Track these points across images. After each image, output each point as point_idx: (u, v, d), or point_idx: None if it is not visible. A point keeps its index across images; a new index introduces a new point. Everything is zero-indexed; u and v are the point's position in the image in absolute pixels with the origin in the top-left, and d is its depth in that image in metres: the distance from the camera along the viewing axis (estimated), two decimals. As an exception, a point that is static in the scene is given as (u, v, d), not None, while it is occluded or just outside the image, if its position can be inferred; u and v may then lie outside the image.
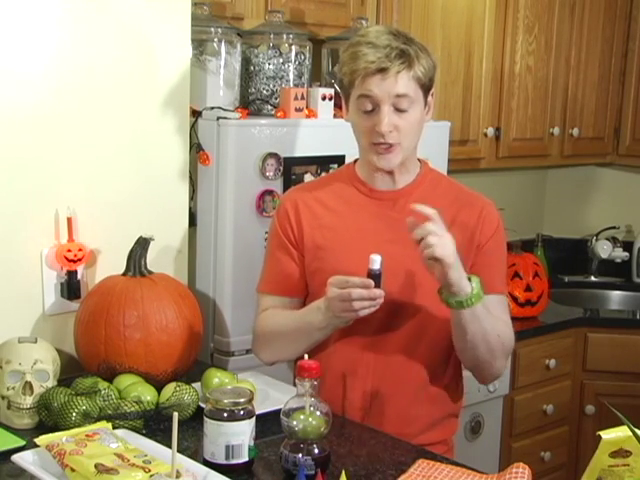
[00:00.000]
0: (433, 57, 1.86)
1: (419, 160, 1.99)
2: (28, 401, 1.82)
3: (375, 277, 1.71)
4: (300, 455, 1.58)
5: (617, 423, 1.31)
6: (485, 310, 1.81)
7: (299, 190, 2.07)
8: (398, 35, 1.82)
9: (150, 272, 2.10)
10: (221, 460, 1.61)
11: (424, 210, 1.72)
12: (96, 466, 1.47)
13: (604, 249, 3.94)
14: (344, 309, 1.74)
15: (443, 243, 1.70)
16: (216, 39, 2.49)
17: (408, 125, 1.83)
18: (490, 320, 1.83)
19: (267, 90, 2.60)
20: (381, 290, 1.72)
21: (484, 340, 1.84)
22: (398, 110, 1.81)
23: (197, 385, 1.95)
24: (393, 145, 1.83)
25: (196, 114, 2.44)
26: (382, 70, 1.77)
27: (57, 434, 1.61)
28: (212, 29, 2.48)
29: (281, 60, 2.59)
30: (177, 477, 1.42)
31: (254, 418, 1.64)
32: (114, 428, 1.69)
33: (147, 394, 1.86)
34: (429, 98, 1.88)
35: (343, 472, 1.51)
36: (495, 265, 1.94)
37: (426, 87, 1.84)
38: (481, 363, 1.91)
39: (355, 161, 2.00)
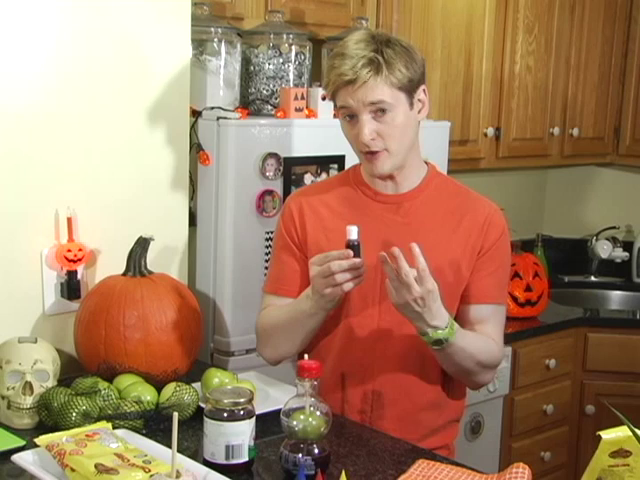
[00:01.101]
0: (416, 55, 1.82)
1: (427, 163, 1.98)
2: (28, 401, 1.82)
3: (354, 247, 1.71)
4: (300, 455, 1.58)
5: (617, 423, 1.31)
6: (461, 346, 1.79)
7: (304, 192, 2.06)
8: (372, 41, 1.78)
9: (150, 272, 2.10)
10: (221, 460, 1.61)
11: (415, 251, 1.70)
12: (96, 466, 1.47)
13: (604, 249, 3.94)
14: (327, 284, 1.74)
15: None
16: (216, 39, 2.49)
17: (391, 130, 1.81)
18: (467, 353, 1.82)
19: (267, 90, 2.60)
20: (361, 259, 1.72)
21: (460, 371, 1.87)
22: (378, 116, 1.80)
23: (197, 385, 1.95)
24: (379, 152, 1.82)
25: (196, 114, 2.44)
26: (351, 82, 1.77)
27: (57, 434, 1.61)
28: (212, 29, 2.48)
29: (281, 60, 2.59)
30: (177, 477, 1.42)
31: (254, 418, 1.64)
32: (114, 428, 1.69)
33: (147, 394, 1.86)
34: (421, 96, 1.85)
35: (343, 472, 1.51)
36: (495, 273, 1.92)
37: (407, 88, 1.80)
38: (463, 380, 1.95)
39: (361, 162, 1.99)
